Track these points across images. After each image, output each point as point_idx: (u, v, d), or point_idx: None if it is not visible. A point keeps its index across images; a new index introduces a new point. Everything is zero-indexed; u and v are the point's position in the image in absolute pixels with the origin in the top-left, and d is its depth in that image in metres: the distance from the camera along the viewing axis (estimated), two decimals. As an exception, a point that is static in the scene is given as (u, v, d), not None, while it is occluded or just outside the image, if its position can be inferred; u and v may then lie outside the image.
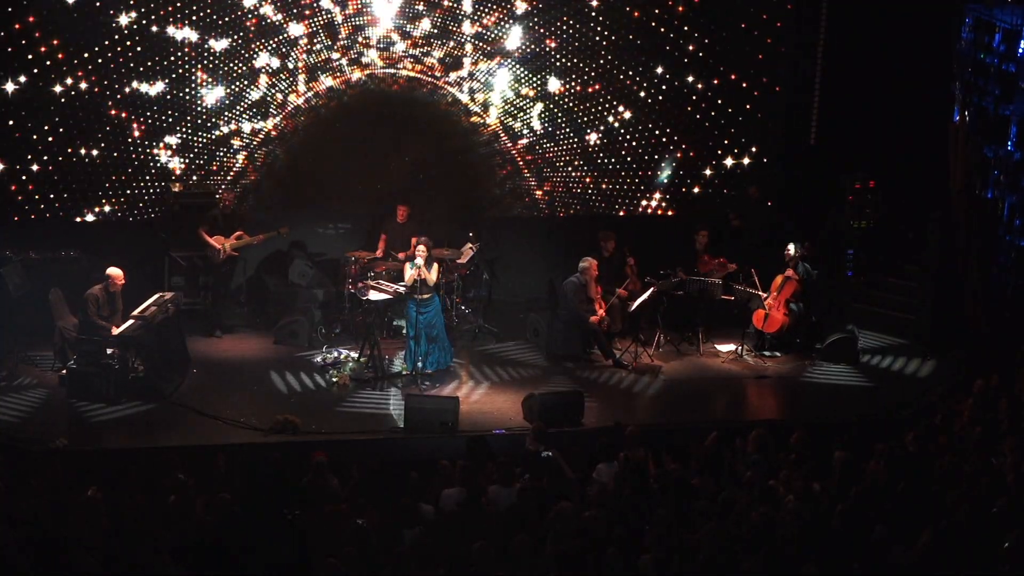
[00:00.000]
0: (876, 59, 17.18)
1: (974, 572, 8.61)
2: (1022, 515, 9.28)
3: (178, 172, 16.14)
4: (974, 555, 8.75)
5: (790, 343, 15.51)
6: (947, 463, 10.64)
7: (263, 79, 16.25)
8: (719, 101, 17.63)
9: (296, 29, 16.21)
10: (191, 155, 16.17)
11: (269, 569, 7.14)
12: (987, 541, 8.94)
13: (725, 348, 15.53)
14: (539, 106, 17.17)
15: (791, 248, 15.43)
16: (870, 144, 17.23)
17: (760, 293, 15.20)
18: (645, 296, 15.03)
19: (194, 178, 16.21)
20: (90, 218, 15.76)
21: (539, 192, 17.58)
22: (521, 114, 17.22)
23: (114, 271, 13.53)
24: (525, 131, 17.28)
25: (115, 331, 13.14)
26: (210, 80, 15.95)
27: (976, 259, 16.10)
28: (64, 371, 13.24)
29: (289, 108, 16.50)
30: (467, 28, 16.74)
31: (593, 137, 17.41)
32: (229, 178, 16.42)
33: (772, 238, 16.13)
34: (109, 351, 13.07)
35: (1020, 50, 16.38)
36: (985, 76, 16.66)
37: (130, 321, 13.24)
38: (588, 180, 17.60)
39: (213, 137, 16.23)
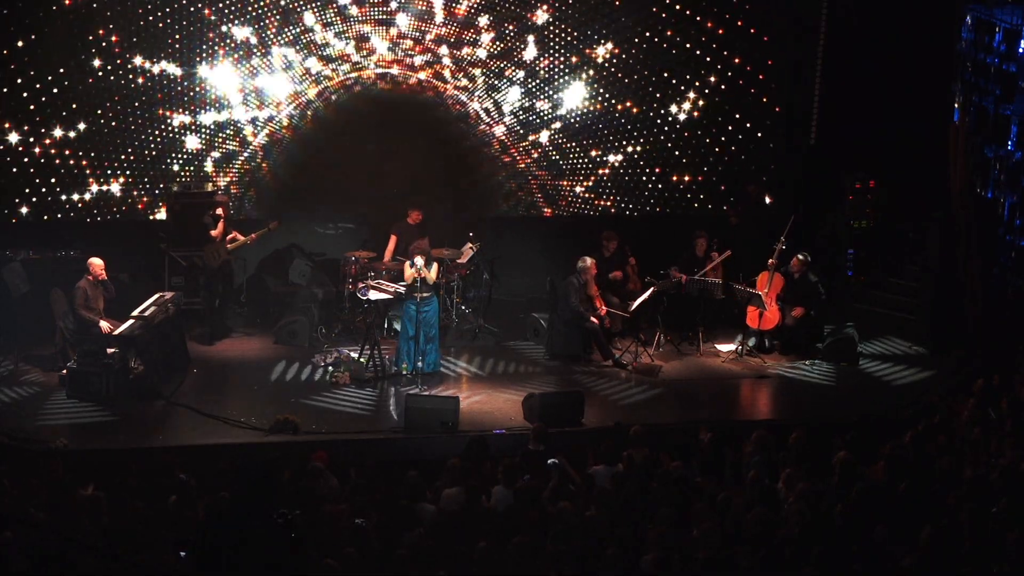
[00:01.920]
0: (876, 59, 17.18)
1: (975, 572, 8.61)
2: (1022, 515, 9.27)
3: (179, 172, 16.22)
4: (975, 555, 8.75)
5: (793, 343, 15.48)
6: (947, 463, 10.64)
7: (269, 77, 16.30)
8: (722, 103, 17.66)
9: (306, 23, 16.27)
10: (193, 154, 16.23)
11: (258, 569, 7.11)
12: (988, 541, 8.93)
13: (725, 348, 15.53)
14: (543, 107, 17.23)
15: (801, 256, 15.40)
16: (870, 144, 17.23)
17: (760, 293, 15.20)
18: (645, 296, 15.03)
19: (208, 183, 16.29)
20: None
21: (539, 193, 17.61)
22: (525, 116, 17.24)
23: (94, 260, 13.61)
24: (529, 133, 17.30)
25: (114, 331, 13.14)
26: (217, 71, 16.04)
27: (976, 259, 16.10)
28: (64, 371, 13.24)
29: (293, 107, 16.52)
30: (479, 34, 16.78)
31: (595, 139, 17.45)
32: (227, 179, 16.43)
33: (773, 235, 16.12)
34: (109, 351, 13.07)
35: (1020, 50, 16.40)
36: (985, 76, 16.69)
37: (130, 321, 13.24)
38: (588, 182, 17.65)
39: (216, 135, 16.27)
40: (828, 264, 16.89)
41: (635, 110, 17.43)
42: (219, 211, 15.10)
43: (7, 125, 15.29)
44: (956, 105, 16.71)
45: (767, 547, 8.69)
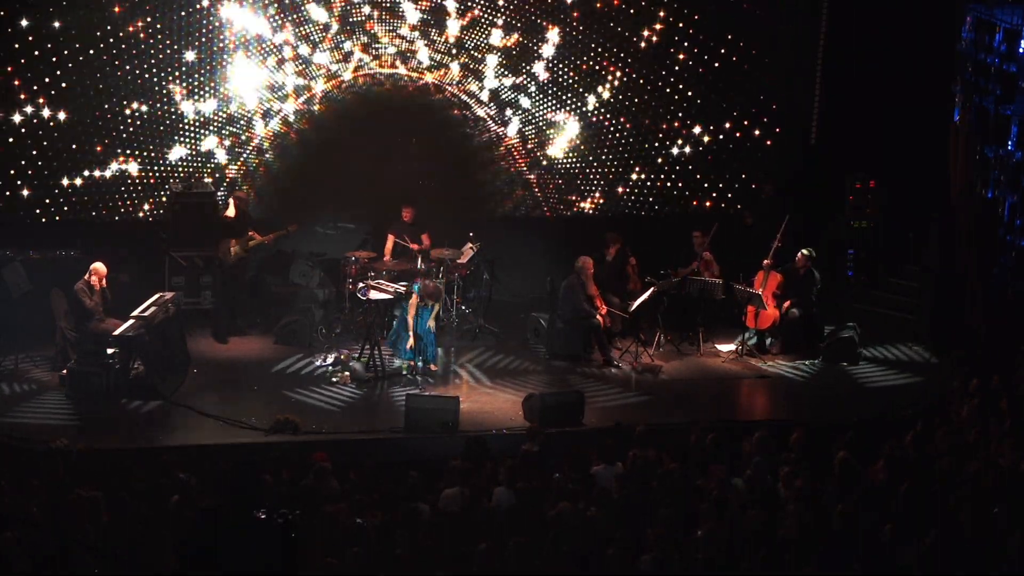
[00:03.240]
0: (876, 59, 17.17)
1: (976, 572, 8.62)
2: (1023, 516, 9.28)
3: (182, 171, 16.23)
4: (976, 556, 8.75)
5: (794, 343, 15.47)
6: (947, 464, 10.64)
7: (271, 76, 16.33)
8: (722, 103, 17.66)
9: (312, 21, 16.29)
10: (195, 154, 16.24)
11: (247, 571, 7.09)
12: (989, 542, 8.94)
13: (725, 348, 15.52)
14: (534, 104, 17.24)
15: (805, 251, 15.41)
16: (870, 144, 17.22)
17: (760, 292, 15.21)
18: (645, 296, 15.03)
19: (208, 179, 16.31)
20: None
21: (539, 192, 17.61)
22: (524, 113, 17.25)
23: (97, 265, 13.61)
24: (528, 130, 17.30)
25: (116, 331, 13.15)
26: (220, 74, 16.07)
27: (976, 259, 16.09)
28: (64, 371, 13.24)
29: (295, 107, 16.52)
30: (481, 35, 16.79)
31: (595, 138, 17.45)
32: (227, 180, 16.43)
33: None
34: (109, 351, 13.06)
35: (1021, 50, 16.37)
36: (986, 76, 16.65)
37: (130, 321, 13.24)
38: (589, 180, 17.65)
39: (219, 136, 16.29)
40: (828, 264, 16.86)
41: (635, 110, 17.42)
42: (241, 203, 15.18)
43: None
44: (956, 105, 16.69)
45: (767, 547, 8.70)
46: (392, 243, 15.77)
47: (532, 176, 17.43)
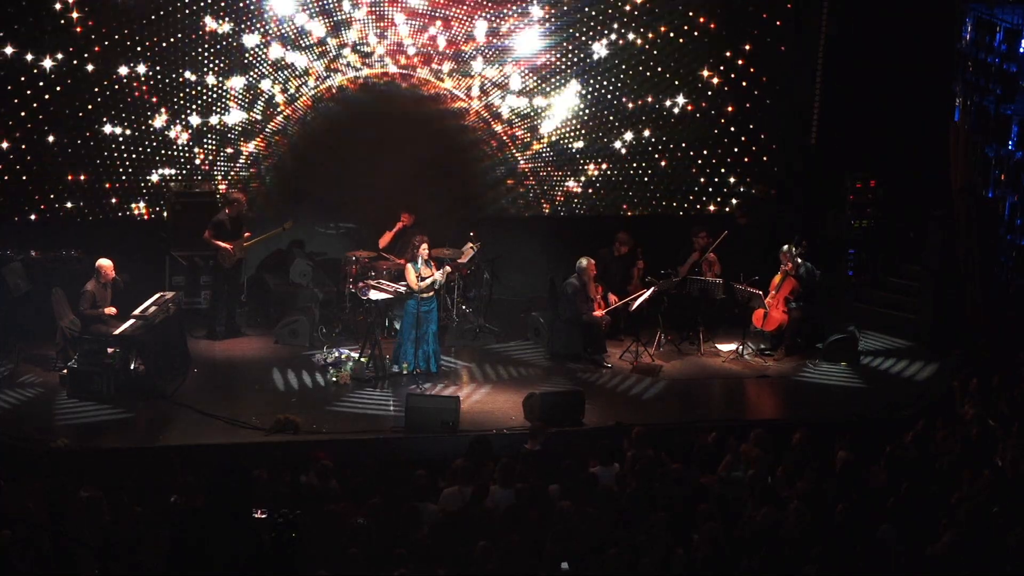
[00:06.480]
0: (876, 59, 17.17)
1: (976, 572, 8.62)
2: (1023, 515, 9.28)
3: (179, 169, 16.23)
4: (976, 555, 8.76)
5: (792, 343, 15.48)
6: (947, 464, 10.65)
7: (268, 77, 16.32)
8: (719, 101, 17.66)
9: (303, 26, 16.27)
10: (192, 152, 16.23)
11: (239, 570, 7.07)
12: (989, 541, 8.94)
13: (726, 348, 15.53)
14: (542, 105, 17.23)
15: (785, 248, 15.43)
16: (870, 144, 17.23)
17: (760, 292, 15.22)
18: (645, 296, 15.04)
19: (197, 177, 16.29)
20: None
21: (541, 193, 17.61)
22: (524, 113, 17.24)
23: (103, 262, 13.61)
24: (528, 130, 17.30)
25: (116, 331, 13.15)
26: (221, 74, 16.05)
27: (977, 259, 16.09)
28: (65, 371, 13.24)
29: (294, 106, 16.52)
30: (475, 29, 16.76)
31: (595, 138, 17.45)
32: (231, 177, 16.44)
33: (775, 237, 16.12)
34: (110, 350, 13.07)
35: (1021, 49, 16.39)
36: (986, 75, 16.67)
37: (131, 320, 13.24)
38: (589, 179, 17.65)
39: (215, 134, 16.28)
40: (829, 264, 16.87)
41: (635, 110, 17.41)
42: (238, 206, 15.13)
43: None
44: (956, 105, 16.70)
45: (768, 547, 8.70)
46: (392, 238, 15.80)
47: (524, 164, 17.41)
